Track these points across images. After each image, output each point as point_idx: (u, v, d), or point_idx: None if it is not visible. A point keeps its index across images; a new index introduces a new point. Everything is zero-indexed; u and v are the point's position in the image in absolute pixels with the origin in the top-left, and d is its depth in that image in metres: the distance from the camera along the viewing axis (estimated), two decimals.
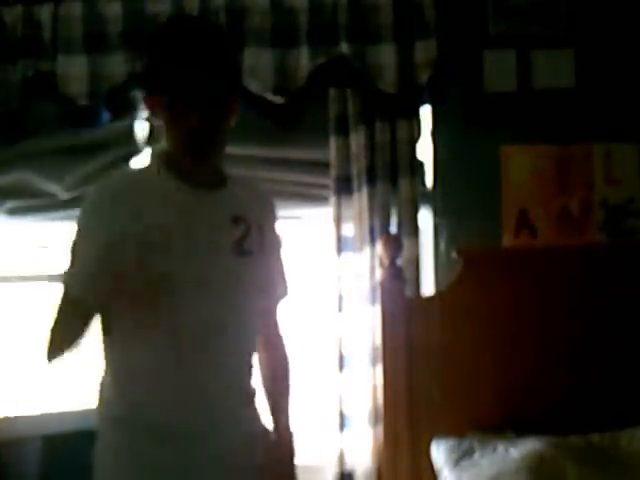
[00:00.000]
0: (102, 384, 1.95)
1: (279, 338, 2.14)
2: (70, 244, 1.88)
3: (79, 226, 1.88)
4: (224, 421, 1.91)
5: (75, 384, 3.09)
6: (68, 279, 1.84)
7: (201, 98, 1.82)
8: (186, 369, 1.85)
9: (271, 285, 2.08)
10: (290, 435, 2.08)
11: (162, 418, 1.86)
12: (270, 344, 2.11)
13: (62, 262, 1.90)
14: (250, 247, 1.94)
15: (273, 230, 2.07)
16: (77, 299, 1.81)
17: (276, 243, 2.09)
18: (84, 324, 1.84)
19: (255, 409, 2.03)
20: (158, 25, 2.09)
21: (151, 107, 1.96)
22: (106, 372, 1.94)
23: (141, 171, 2.04)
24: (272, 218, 2.08)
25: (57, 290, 1.87)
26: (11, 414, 2.99)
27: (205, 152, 1.88)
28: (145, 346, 1.86)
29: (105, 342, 1.93)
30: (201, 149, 1.87)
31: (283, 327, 2.14)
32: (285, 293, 2.13)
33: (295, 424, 2.10)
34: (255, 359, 2.04)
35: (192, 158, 1.88)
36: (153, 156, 1.98)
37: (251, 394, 2.02)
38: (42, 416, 2.95)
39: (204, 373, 1.87)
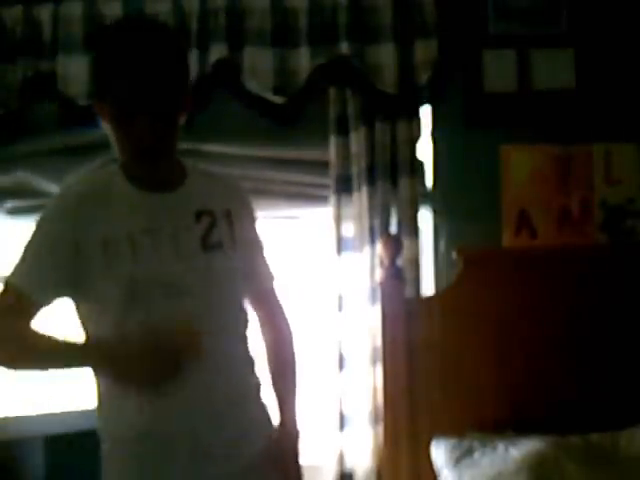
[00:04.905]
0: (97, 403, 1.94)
1: (280, 321, 2.11)
2: (26, 243, 1.90)
3: (38, 229, 1.90)
4: (228, 424, 1.89)
5: (77, 384, 3.08)
6: (17, 273, 1.87)
7: (147, 107, 1.77)
8: (172, 383, 1.81)
9: (255, 270, 2.04)
10: (296, 433, 2.06)
11: (159, 433, 1.85)
12: (271, 328, 2.09)
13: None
14: (218, 238, 1.91)
15: (244, 215, 2.02)
16: (24, 294, 1.83)
17: (250, 227, 2.04)
18: (26, 322, 1.84)
19: (260, 403, 2.01)
20: (101, 32, 2.02)
21: (101, 114, 1.87)
22: (97, 392, 1.93)
23: (103, 176, 1.98)
24: (240, 202, 2.02)
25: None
26: (13, 414, 2.99)
27: (155, 158, 1.85)
28: None
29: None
30: (150, 156, 1.84)
31: (285, 310, 2.12)
32: (272, 276, 2.10)
33: (301, 419, 2.09)
34: (258, 347, 2.03)
35: (143, 165, 1.86)
36: (114, 160, 1.94)
37: (254, 388, 2.00)
38: (44, 416, 2.94)
39: (194, 382, 1.83)
